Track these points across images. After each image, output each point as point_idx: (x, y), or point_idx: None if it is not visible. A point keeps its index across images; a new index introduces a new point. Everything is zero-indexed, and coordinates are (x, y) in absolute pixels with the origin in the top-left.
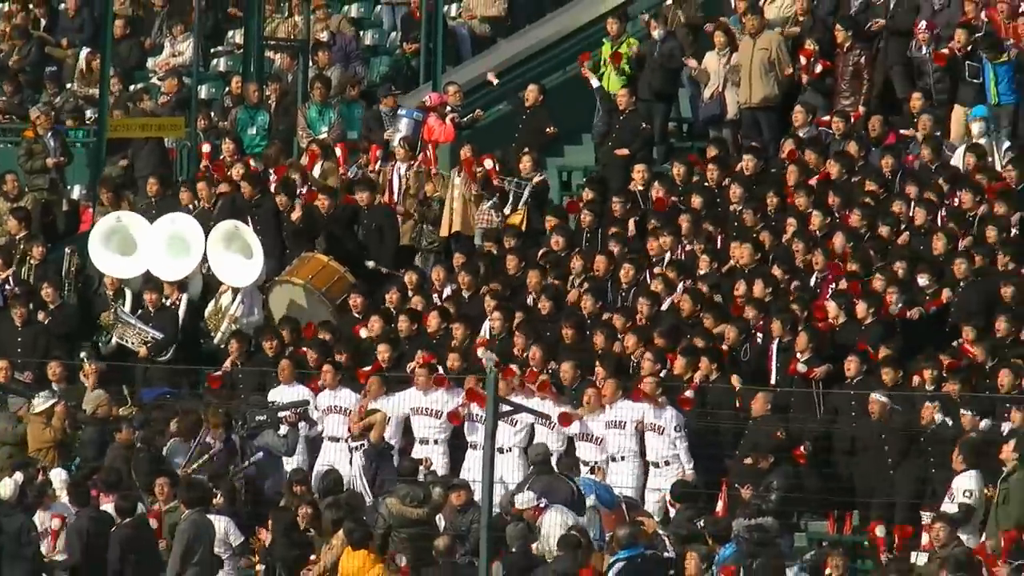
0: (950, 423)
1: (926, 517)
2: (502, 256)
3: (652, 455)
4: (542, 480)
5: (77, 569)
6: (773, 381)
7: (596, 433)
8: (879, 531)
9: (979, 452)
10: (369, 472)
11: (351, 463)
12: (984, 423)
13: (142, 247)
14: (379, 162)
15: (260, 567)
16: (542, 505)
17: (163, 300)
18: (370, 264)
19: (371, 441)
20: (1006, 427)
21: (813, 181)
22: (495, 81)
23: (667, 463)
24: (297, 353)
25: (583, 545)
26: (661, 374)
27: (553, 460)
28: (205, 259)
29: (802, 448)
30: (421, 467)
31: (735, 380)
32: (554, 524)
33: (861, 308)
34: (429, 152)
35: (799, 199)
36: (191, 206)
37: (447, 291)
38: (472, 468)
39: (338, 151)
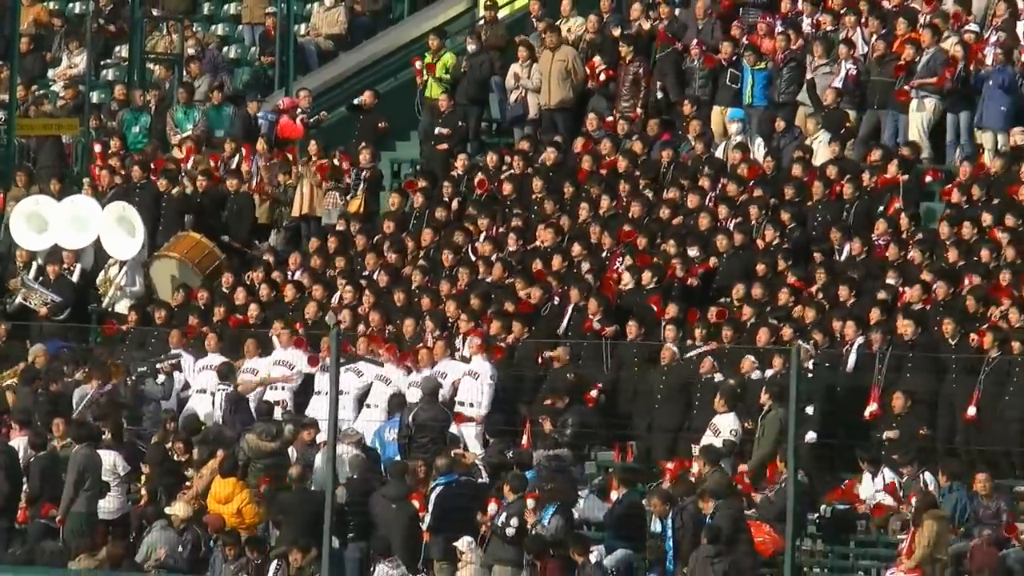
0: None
1: (696, 450)
2: (350, 235)
3: (465, 397)
4: (427, 409)
5: None
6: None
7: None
8: (669, 465)
9: (737, 396)
10: (229, 413)
11: (213, 405)
12: (756, 373)
13: (52, 226)
14: (254, 156)
15: (144, 492)
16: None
17: (63, 271)
18: (225, 239)
19: (233, 387)
20: (768, 373)
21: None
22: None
23: (474, 405)
24: (182, 318)
25: (410, 471)
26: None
27: (383, 404)
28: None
29: (593, 392)
30: (278, 407)
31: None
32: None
33: (647, 276)
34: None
35: (593, 188)
36: (85, 192)
37: (300, 270)
38: (315, 409)
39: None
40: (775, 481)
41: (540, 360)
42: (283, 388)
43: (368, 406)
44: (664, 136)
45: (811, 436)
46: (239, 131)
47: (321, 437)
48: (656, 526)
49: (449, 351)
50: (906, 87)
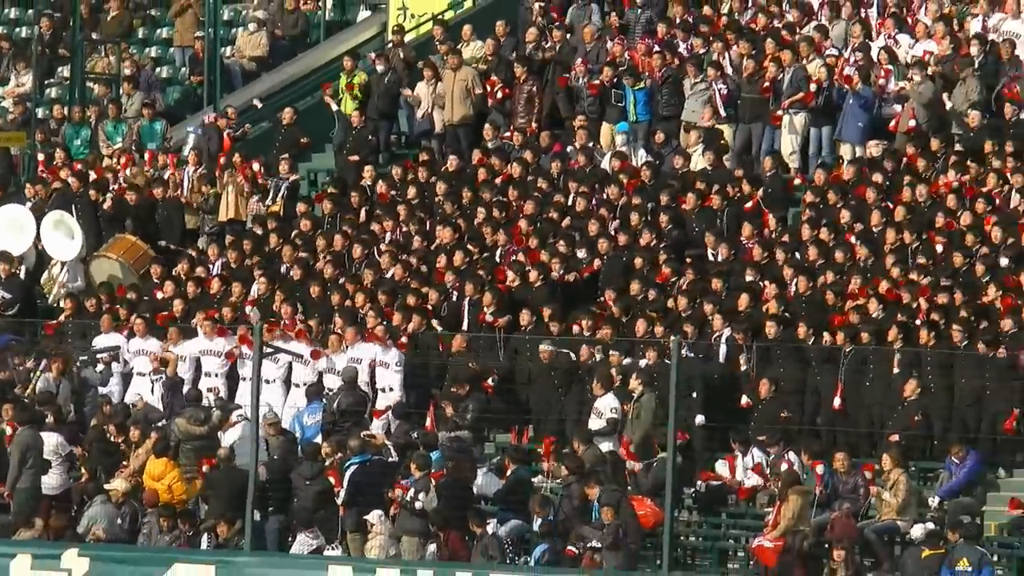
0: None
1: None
2: (265, 235)
3: (380, 383)
4: (348, 396)
5: None
6: (465, 328)
7: (339, 367)
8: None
9: (611, 378)
10: (166, 398)
11: (153, 392)
12: (626, 360)
13: None
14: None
15: (84, 469)
16: (234, 420)
17: (12, 270)
18: (162, 242)
19: (168, 375)
20: (642, 362)
21: (499, 180)
22: (259, 104)
23: (391, 389)
24: (113, 310)
25: (323, 452)
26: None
27: (303, 389)
28: (38, 238)
29: (490, 379)
30: (210, 393)
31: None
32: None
33: (533, 274)
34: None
35: (484, 193)
36: (31, 199)
37: (219, 263)
38: (243, 395)
39: (162, 159)
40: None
41: (441, 349)
42: (216, 375)
43: (296, 385)
44: (556, 148)
45: (700, 419)
46: (216, 143)
47: (235, 417)
48: (537, 523)
49: (360, 336)
50: (779, 111)
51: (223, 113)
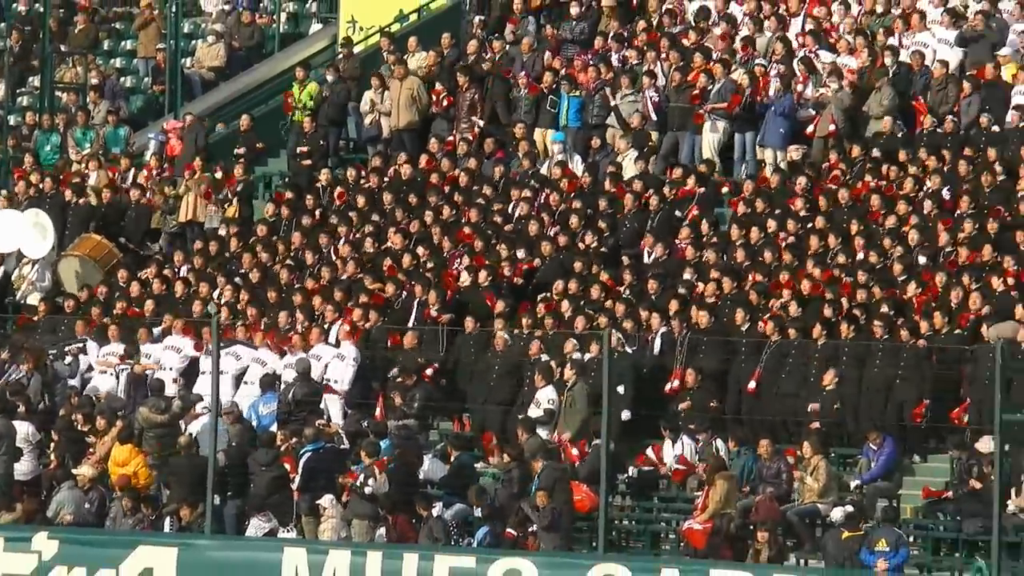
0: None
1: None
2: (228, 238)
3: (332, 374)
4: (302, 386)
5: None
6: (411, 323)
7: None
8: (492, 440)
9: (552, 371)
10: (130, 391)
11: (118, 383)
12: (576, 354)
13: None
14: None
15: (53, 456)
16: (199, 411)
17: None
18: (122, 240)
19: (133, 370)
20: (587, 356)
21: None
22: None
23: (336, 381)
24: (86, 315)
25: (279, 440)
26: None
27: (254, 385)
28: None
29: (429, 371)
30: (175, 384)
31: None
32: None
33: (482, 275)
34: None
35: (431, 197)
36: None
37: (185, 268)
38: (201, 387)
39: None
40: (587, 447)
41: (391, 344)
42: (172, 369)
43: (246, 383)
44: (499, 154)
45: (626, 414)
46: (202, 138)
47: (199, 409)
48: (478, 512)
49: (324, 338)
50: (700, 111)
51: (198, 116)
